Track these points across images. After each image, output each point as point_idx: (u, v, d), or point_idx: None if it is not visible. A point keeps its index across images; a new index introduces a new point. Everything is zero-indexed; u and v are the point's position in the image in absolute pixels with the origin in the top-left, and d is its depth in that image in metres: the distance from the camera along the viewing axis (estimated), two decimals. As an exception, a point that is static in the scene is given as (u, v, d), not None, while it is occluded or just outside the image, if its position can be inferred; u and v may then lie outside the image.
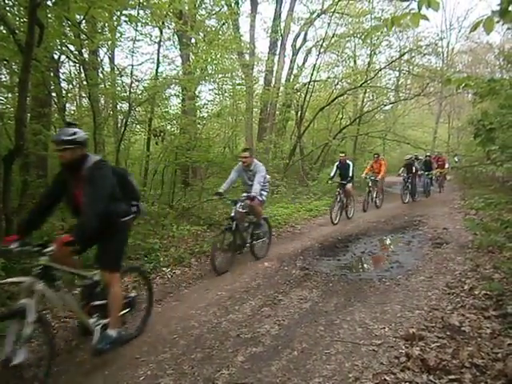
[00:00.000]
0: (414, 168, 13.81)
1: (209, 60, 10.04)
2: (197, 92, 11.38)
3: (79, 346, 3.58)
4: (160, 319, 4.15)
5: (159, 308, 4.50)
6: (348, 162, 10.32)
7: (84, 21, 7.14)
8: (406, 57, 17.74)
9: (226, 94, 14.04)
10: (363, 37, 15.98)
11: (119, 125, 9.43)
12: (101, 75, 9.57)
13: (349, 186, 10.21)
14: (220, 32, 12.92)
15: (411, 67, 18.62)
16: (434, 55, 18.76)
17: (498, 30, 18.01)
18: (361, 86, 16.76)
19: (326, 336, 3.61)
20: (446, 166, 15.92)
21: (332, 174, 10.47)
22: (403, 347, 3.29)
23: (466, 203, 11.79)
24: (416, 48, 17.25)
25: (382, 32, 13.44)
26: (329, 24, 16.24)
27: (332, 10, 15.95)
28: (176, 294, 5.04)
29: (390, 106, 22.59)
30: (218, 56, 10.78)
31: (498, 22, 1.72)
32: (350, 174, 10.14)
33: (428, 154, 16.93)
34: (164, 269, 5.95)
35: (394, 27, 1.87)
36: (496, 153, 4.25)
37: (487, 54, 27.97)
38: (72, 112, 11.60)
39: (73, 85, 10.56)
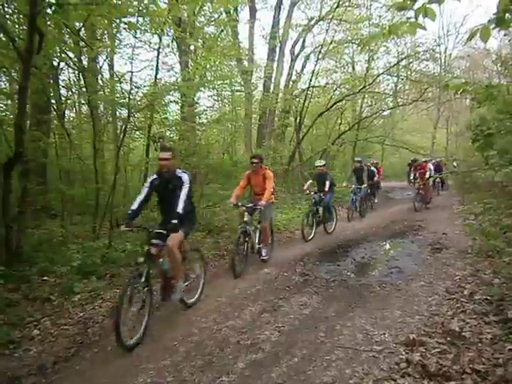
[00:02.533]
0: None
1: (208, 66, 10.08)
2: (196, 98, 11.42)
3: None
4: (160, 326, 4.13)
5: (159, 315, 4.48)
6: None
7: (83, 28, 7.18)
8: (403, 62, 17.84)
9: (225, 101, 14.10)
10: (361, 45, 16.03)
11: (118, 131, 9.44)
12: (100, 82, 9.61)
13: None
14: (219, 39, 12.99)
15: (409, 73, 18.68)
16: (431, 61, 18.85)
17: (495, 35, 18.09)
18: (359, 91, 16.81)
19: (327, 342, 3.60)
20: (427, 175, 12.81)
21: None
22: (403, 353, 3.27)
23: (465, 208, 11.78)
24: (414, 54, 17.34)
25: (380, 39, 13.46)
26: (327, 30, 16.33)
27: (330, 17, 16.05)
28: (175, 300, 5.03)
29: (389, 111, 22.68)
30: (217, 62, 10.84)
31: (494, 28, 1.74)
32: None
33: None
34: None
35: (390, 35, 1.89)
36: (494, 158, 4.26)
37: (485, 60, 28.11)
38: (71, 119, 11.66)
39: (72, 91, 10.63)
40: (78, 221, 8.59)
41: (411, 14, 1.79)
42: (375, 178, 13.62)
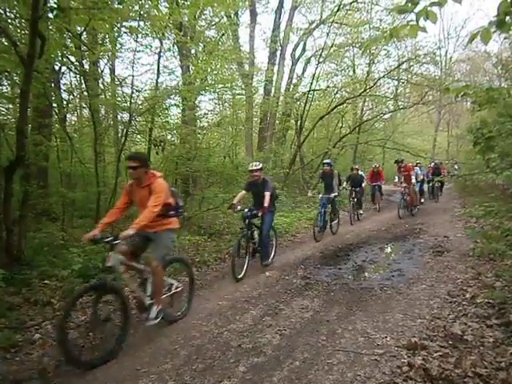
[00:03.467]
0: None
1: (209, 70, 10.11)
2: (197, 102, 11.45)
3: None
4: (161, 330, 4.12)
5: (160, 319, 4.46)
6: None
7: (85, 32, 7.21)
8: (404, 66, 17.88)
9: (225, 104, 14.14)
10: (362, 49, 16.04)
11: (120, 135, 9.48)
12: (101, 86, 9.65)
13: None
14: (220, 42, 13.04)
15: (410, 76, 18.74)
16: (432, 64, 18.91)
17: (496, 38, 18.12)
18: (360, 94, 16.86)
19: (328, 345, 3.59)
20: (413, 179, 11.99)
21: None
22: (405, 357, 3.26)
23: (467, 211, 11.77)
24: (414, 57, 17.38)
25: (380, 42, 13.48)
26: (327, 34, 16.39)
27: (331, 21, 16.11)
28: (176, 304, 5.01)
29: (390, 114, 22.69)
30: (218, 66, 10.87)
31: (494, 32, 1.74)
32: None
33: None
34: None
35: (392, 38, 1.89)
36: (495, 161, 4.27)
37: (485, 63, 28.15)
38: (73, 122, 11.69)
39: (73, 95, 10.66)
40: (80, 224, 8.59)
41: (412, 16, 1.80)
42: (363, 184, 12.45)
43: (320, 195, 9.60)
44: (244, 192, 6.56)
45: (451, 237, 8.25)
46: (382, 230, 9.78)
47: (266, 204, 6.12)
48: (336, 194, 9.37)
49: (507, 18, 1.61)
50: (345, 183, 11.48)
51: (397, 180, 12.63)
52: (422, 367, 3.04)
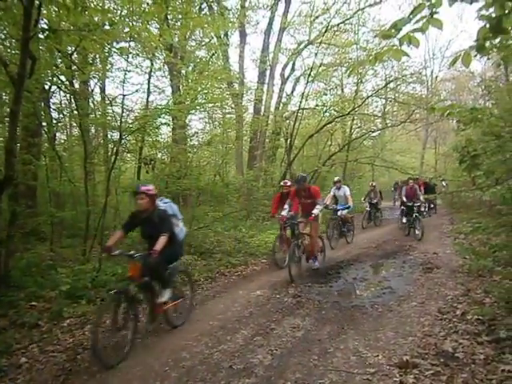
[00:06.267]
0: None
1: (199, 89, 10.21)
2: (187, 121, 11.51)
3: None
4: (151, 351, 4.06)
5: (150, 339, 4.40)
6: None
7: (75, 52, 7.26)
8: (391, 85, 18.25)
9: (216, 123, 14.23)
10: (348, 71, 16.33)
11: (110, 153, 9.45)
12: (91, 105, 9.67)
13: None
14: (210, 62, 13.21)
15: (397, 95, 19.12)
16: (418, 83, 19.34)
17: (479, 59, 18.64)
18: (349, 113, 17.10)
19: (320, 365, 3.57)
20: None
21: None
22: (397, 375, 3.26)
23: (455, 228, 11.89)
24: (401, 77, 17.78)
25: (366, 65, 13.75)
26: (316, 54, 16.68)
27: (319, 41, 16.43)
28: (166, 324, 4.96)
29: (378, 132, 23.00)
30: (208, 85, 10.98)
31: (475, 55, 1.81)
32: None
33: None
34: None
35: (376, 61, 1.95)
36: (481, 178, 4.35)
37: (470, 82, 28.79)
38: (62, 141, 11.66)
39: (63, 114, 10.65)
40: (68, 244, 8.49)
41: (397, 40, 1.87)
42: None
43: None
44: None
45: (440, 253, 8.30)
46: (372, 247, 9.80)
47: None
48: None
49: (487, 42, 1.67)
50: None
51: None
52: (414, 386, 3.04)
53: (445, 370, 3.28)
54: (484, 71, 25.20)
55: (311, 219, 7.04)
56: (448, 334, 4.07)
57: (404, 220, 11.60)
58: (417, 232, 10.64)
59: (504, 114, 4.95)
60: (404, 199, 11.24)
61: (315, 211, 7.05)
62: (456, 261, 7.40)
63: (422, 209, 12.04)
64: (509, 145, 4.44)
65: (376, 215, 14.08)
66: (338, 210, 10.28)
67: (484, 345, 3.72)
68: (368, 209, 13.73)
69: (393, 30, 1.67)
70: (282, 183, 8.75)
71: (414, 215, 10.81)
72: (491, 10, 1.62)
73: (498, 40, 1.74)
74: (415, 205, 10.79)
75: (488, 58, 11.44)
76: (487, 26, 1.67)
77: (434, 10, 1.56)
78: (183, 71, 11.43)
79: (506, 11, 1.69)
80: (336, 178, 10.87)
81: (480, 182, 4.45)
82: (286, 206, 7.79)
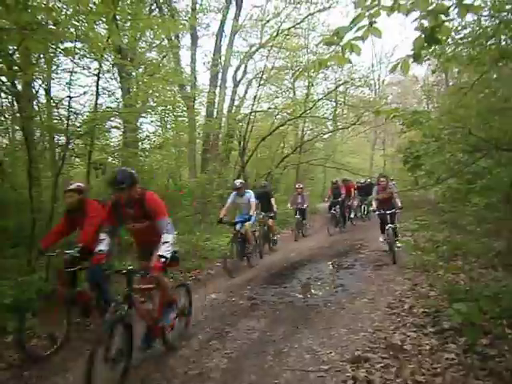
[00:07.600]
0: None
1: (150, 92, 10.04)
2: (138, 124, 11.28)
3: None
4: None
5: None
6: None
7: (17, 52, 6.92)
8: (341, 88, 18.83)
9: (168, 126, 14.02)
10: (295, 76, 16.71)
11: (57, 158, 9.08)
12: (36, 107, 9.23)
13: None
14: (161, 65, 13.00)
15: (346, 98, 19.75)
16: (366, 87, 20.08)
17: (422, 64, 19.56)
18: (300, 116, 17.47)
19: (275, 366, 3.61)
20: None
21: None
22: (350, 370, 3.35)
23: (402, 225, 12.39)
24: (350, 80, 18.37)
25: (311, 70, 14.09)
26: (267, 57, 16.95)
27: (270, 44, 16.68)
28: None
29: (329, 134, 23.65)
30: (160, 88, 10.82)
31: (412, 62, 1.92)
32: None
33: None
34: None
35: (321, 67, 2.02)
36: (423, 178, 4.59)
37: (414, 86, 30.20)
38: (4, 146, 11.06)
39: (5, 117, 10.12)
40: (12, 254, 8.05)
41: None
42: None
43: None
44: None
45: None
46: (325, 247, 10.04)
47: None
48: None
49: (423, 52, 1.78)
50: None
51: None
52: (366, 380, 3.16)
53: (394, 362, 3.42)
54: (427, 76, 26.52)
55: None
56: (397, 328, 4.24)
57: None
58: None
59: (442, 117, 5.25)
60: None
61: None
62: (404, 257, 7.71)
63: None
64: (448, 146, 4.74)
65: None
66: (237, 222, 8.10)
67: (429, 336, 3.92)
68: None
69: (335, 38, 1.75)
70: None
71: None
72: (425, 21, 1.74)
73: (431, 49, 1.86)
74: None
75: (429, 64, 12.07)
76: (423, 36, 1.78)
77: (373, 19, 1.65)
78: (133, 73, 11.18)
79: (440, 22, 1.81)
80: (238, 182, 8.72)
81: (423, 182, 4.70)
82: None
